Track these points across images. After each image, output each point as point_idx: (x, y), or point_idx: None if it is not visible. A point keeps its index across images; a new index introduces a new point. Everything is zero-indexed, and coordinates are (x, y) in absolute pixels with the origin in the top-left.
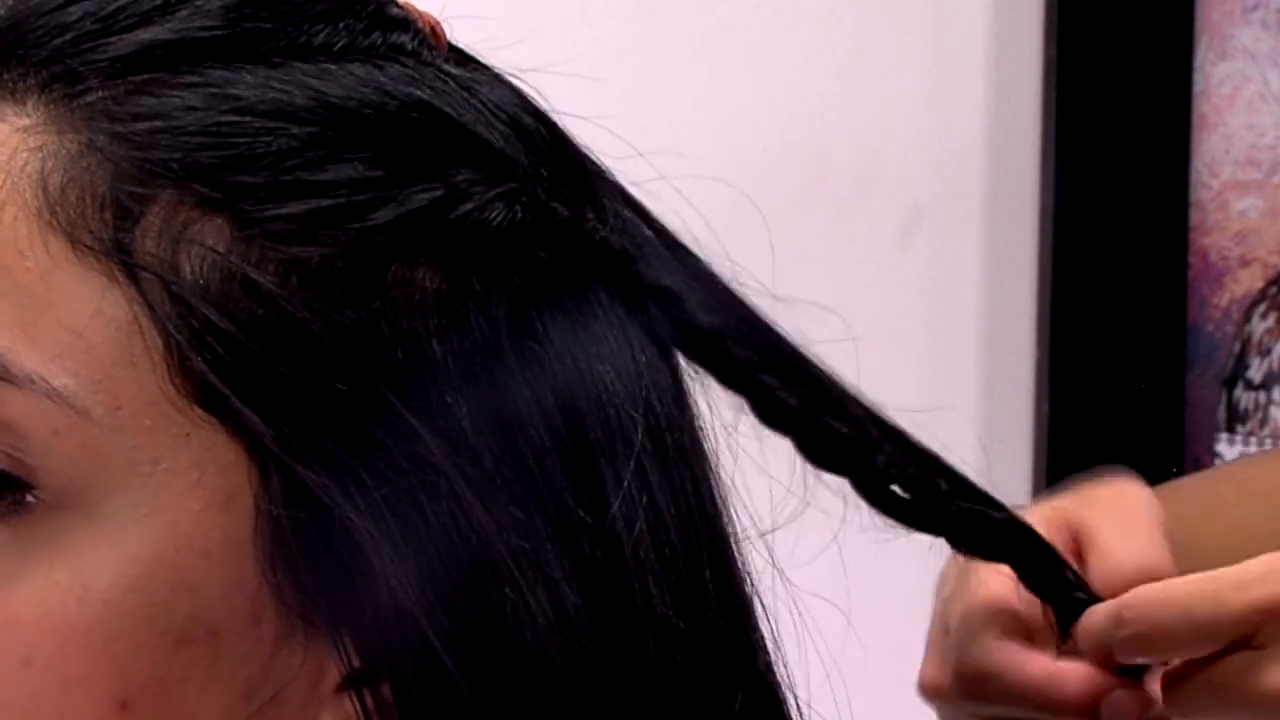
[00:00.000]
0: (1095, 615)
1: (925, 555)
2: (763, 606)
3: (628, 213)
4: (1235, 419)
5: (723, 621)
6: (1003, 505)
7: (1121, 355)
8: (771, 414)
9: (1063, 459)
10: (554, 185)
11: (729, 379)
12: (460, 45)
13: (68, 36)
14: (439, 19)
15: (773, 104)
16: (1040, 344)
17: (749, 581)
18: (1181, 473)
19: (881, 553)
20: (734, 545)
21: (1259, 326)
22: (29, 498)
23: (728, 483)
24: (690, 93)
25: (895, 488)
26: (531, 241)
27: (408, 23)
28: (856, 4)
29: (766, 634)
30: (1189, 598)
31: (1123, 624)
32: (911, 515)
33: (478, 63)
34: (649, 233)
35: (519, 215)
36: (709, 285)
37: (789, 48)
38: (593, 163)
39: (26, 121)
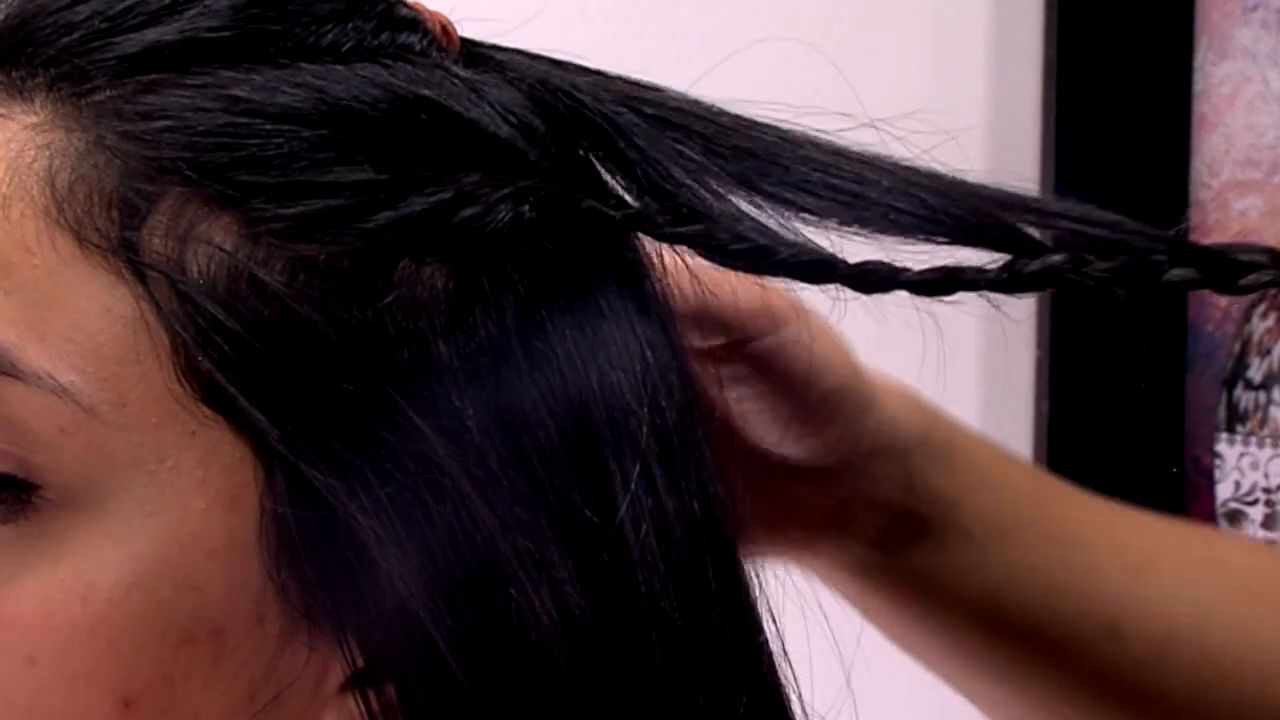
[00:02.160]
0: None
1: None
2: (768, 608)
3: (656, 169)
4: (1235, 419)
5: (728, 623)
6: None
7: (1121, 355)
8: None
9: (1063, 459)
10: (563, 178)
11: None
12: (473, 38)
13: (76, 35)
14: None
15: (772, 104)
16: (1040, 344)
17: (754, 583)
18: (1182, 473)
19: None
20: (738, 548)
21: (1259, 326)
22: (34, 496)
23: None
24: (689, 93)
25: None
26: (540, 239)
27: (416, 23)
28: (856, 4)
29: (771, 636)
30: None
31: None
32: None
33: (493, 60)
34: (679, 177)
35: (526, 214)
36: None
37: (788, 48)
38: (615, 127)
39: (34, 119)
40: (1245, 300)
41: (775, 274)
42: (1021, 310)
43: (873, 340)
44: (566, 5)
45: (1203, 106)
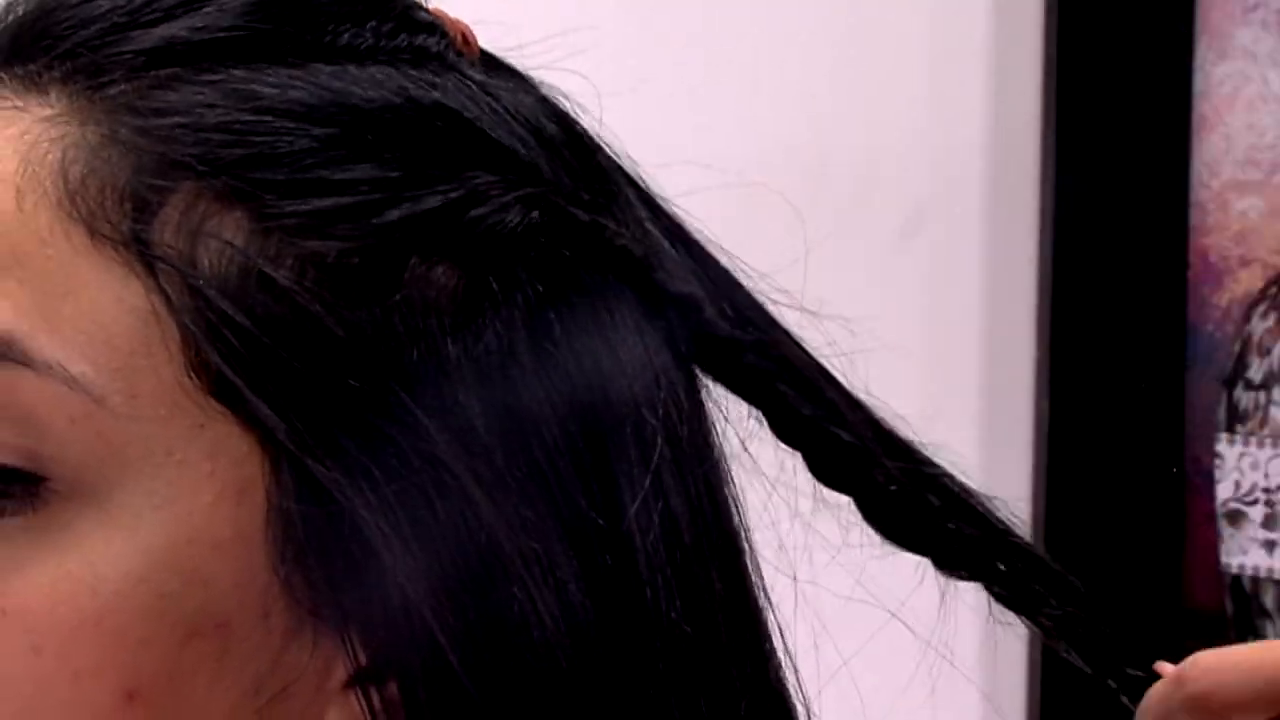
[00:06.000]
0: (1156, 685)
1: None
2: (775, 617)
3: (649, 220)
4: (1235, 419)
5: (733, 630)
6: (993, 521)
7: (1121, 355)
8: (786, 425)
9: (1063, 459)
10: (574, 192)
11: (745, 389)
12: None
13: (92, 29)
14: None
15: (772, 105)
16: (1040, 344)
17: (762, 590)
18: (1182, 473)
19: (892, 559)
20: (747, 554)
21: (1259, 326)
22: (42, 487)
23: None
24: (689, 94)
25: (892, 506)
26: (549, 245)
27: (434, 26)
28: (856, 3)
29: (779, 644)
30: (1251, 658)
31: (1183, 684)
32: (903, 535)
33: (508, 69)
34: (668, 241)
35: (535, 219)
36: (730, 293)
37: (788, 48)
38: (620, 171)
39: (49, 112)
40: (1245, 300)
41: None
42: (1022, 310)
43: (873, 341)
44: (564, 7)
45: (1203, 106)
